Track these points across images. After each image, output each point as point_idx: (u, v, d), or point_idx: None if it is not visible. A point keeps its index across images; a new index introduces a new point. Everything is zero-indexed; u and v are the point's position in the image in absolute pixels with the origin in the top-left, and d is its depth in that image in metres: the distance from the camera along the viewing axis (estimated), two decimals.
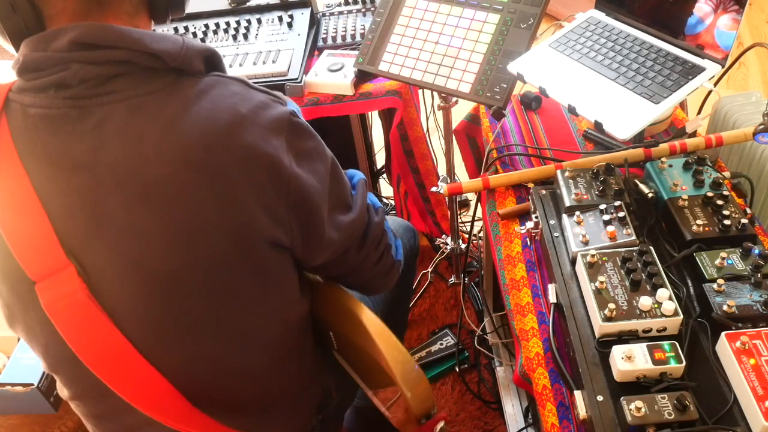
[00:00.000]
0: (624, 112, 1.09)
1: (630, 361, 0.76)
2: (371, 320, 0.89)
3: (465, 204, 2.26)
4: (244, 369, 0.84)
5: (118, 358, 0.73)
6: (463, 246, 1.87)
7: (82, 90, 0.67)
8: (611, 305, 0.82)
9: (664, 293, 0.82)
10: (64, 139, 0.67)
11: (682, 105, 1.36)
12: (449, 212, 1.82)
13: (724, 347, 0.78)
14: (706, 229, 0.93)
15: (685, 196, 0.98)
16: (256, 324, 0.81)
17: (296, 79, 1.48)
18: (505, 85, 1.26)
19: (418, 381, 0.86)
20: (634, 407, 0.72)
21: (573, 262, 0.94)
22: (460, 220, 1.98)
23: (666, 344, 0.78)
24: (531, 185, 1.15)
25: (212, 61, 0.75)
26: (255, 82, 1.59)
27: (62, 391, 0.89)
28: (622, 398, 0.74)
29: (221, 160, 0.69)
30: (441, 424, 0.90)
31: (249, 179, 0.70)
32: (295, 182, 0.74)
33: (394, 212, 2.24)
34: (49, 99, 0.67)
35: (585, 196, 1.01)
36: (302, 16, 1.66)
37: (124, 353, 0.72)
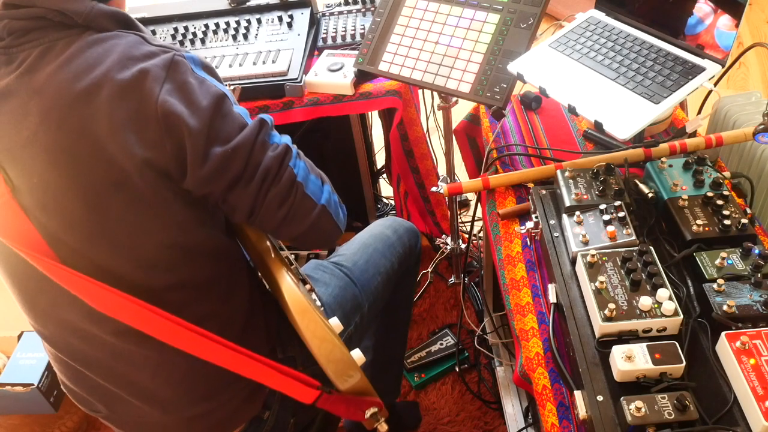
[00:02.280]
0: (624, 112, 1.09)
1: (630, 361, 0.77)
2: (290, 290, 0.90)
3: (465, 204, 2.26)
4: (150, 288, 0.89)
5: (36, 248, 0.86)
6: (463, 246, 1.87)
7: (10, 41, 0.84)
8: (611, 305, 0.82)
9: (664, 293, 0.82)
10: None
11: (682, 105, 1.36)
12: (449, 212, 1.82)
13: (724, 347, 0.78)
14: (706, 229, 0.93)
15: (685, 196, 0.98)
16: (143, 243, 0.87)
17: (296, 79, 1.48)
18: (505, 85, 1.26)
19: (331, 352, 0.89)
20: (634, 407, 0.72)
21: (573, 262, 0.94)
22: (460, 220, 1.98)
23: (666, 344, 0.78)
24: (531, 185, 1.15)
25: (123, 22, 0.88)
26: (255, 82, 1.58)
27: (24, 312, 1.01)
28: (622, 398, 0.74)
29: (97, 93, 0.80)
30: (372, 410, 0.95)
31: (119, 110, 0.80)
32: (163, 109, 0.81)
33: (393, 212, 2.24)
34: None
35: (585, 196, 1.01)
36: (302, 16, 1.66)
37: (38, 244, 0.86)
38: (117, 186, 0.82)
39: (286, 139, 0.96)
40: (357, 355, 0.95)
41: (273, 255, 0.99)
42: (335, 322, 1.00)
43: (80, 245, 0.86)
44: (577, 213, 0.99)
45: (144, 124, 0.81)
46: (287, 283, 0.94)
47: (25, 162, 0.83)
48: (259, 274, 1.07)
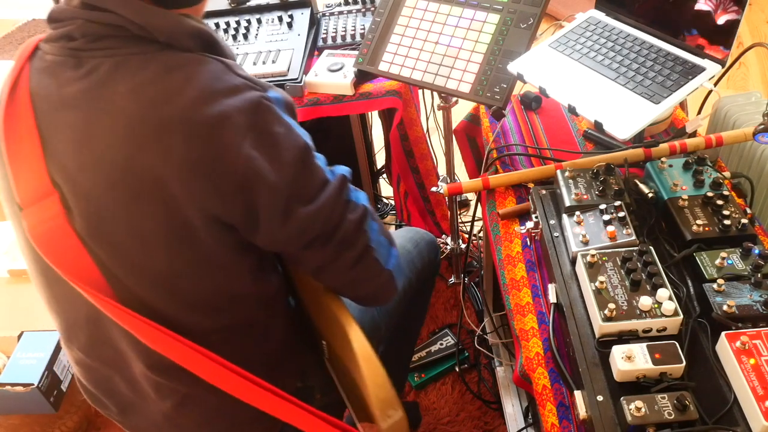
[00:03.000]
0: (624, 112, 1.09)
1: (630, 361, 0.77)
2: (359, 342, 0.86)
3: (465, 204, 2.26)
4: (188, 329, 0.85)
5: (91, 280, 0.81)
6: (463, 246, 1.87)
7: (82, 43, 0.77)
8: (611, 305, 0.82)
9: (664, 293, 0.82)
10: (61, 82, 0.78)
11: (682, 105, 1.36)
12: (449, 212, 1.82)
13: (724, 347, 0.78)
14: (706, 229, 0.93)
15: (685, 196, 0.98)
16: (190, 287, 0.83)
17: (296, 79, 1.48)
18: (505, 85, 1.26)
19: (383, 394, 0.84)
20: (634, 407, 0.72)
21: (573, 262, 0.94)
22: (460, 220, 1.98)
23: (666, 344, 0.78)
24: (531, 185, 1.15)
25: (206, 42, 0.80)
26: None
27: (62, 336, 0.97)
28: (622, 398, 0.74)
29: (172, 130, 0.74)
30: None
31: (193, 153, 0.74)
32: (245, 162, 0.75)
33: (393, 212, 2.24)
34: (58, 48, 0.78)
35: (585, 196, 1.01)
36: (302, 16, 1.66)
37: (92, 274, 0.81)
38: (175, 231, 0.78)
39: (363, 197, 0.91)
40: None
41: (336, 301, 0.95)
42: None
43: (125, 278, 0.81)
44: (577, 213, 0.99)
45: (219, 177, 0.75)
46: (355, 329, 0.89)
47: (82, 185, 0.78)
48: (307, 310, 1.04)
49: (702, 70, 1.11)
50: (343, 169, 0.88)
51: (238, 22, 1.65)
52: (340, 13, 1.72)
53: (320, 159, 0.85)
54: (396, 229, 2.22)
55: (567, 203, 1.00)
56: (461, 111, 1.62)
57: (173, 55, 0.77)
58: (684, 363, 0.76)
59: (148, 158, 0.74)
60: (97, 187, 0.77)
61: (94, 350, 0.93)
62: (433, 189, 1.34)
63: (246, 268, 0.86)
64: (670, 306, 0.81)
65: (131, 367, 0.92)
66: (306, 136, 0.83)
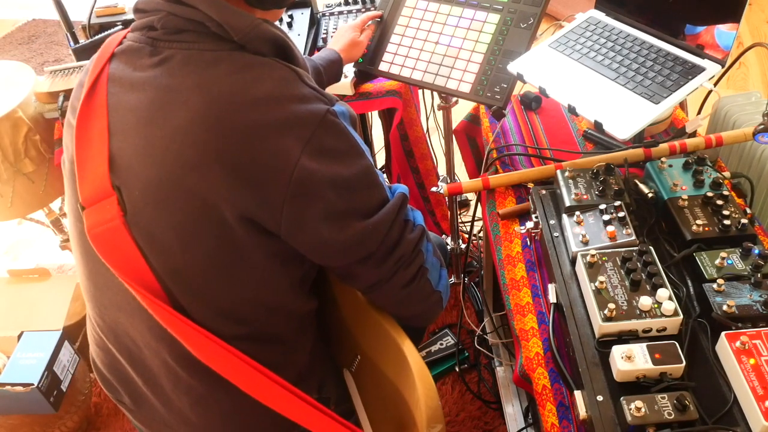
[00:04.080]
0: (624, 112, 1.09)
1: (630, 361, 0.77)
2: (414, 356, 0.86)
3: (465, 204, 2.26)
4: (217, 334, 0.84)
5: (142, 280, 0.80)
6: (463, 246, 1.87)
7: (161, 33, 0.79)
8: (611, 305, 0.82)
9: (664, 293, 0.82)
10: (136, 66, 0.80)
11: (682, 105, 1.36)
12: (449, 212, 1.82)
13: (724, 347, 0.78)
14: (706, 229, 0.93)
15: (685, 196, 0.98)
16: (225, 294, 0.82)
17: None
18: (505, 85, 1.26)
19: (434, 407, 0.84)
20: (634, 407, 0.72)
21: (573, 262, 0.94)
22: (460, 220, 1.98)
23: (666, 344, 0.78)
24: (531, 185, 1.15)
25: (281, 49, 0.81)
26: None
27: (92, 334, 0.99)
28: (622, 398, 0.74)
29: (231, 128, 0.74)
30: None
31: (247, 154, 0.74)
32: (300, 174, 0.75)
33: None
34: (139, 36, 0.82)
35: (585, 196, 1.01)
36: (302, 16, 1.66)
37: (146, 277, 0.80)
38: (216, 234, 0.77)
39: (419, 218, 0.91)
40: None
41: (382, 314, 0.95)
42: None
43: (164, 276, 0.81)
44: (577, 213, 0.99)
45: (268, 183, 0.75)
46: (408, 344, 0.89)
47: (137, 174, 0.78)
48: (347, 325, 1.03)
49: (702, 70, 1.11)
50: (401, 188, 0.88)
51: None
52: (340, 13, 1.72)
53: (381, 177, 0.85)
54: None
55: (567, 203, 1.00)
56: (461, 111, 1.62)
57: (246, 56, 0.77)
58: (684, 363, 0.76)
59: (199, 156, 0.74)
60: (148, 175, 0.77)
61: (116, 337, 0.93)
62: (433, 189, 1.34)
63: (287, 281, 0.86)
64: (670, 306, 0.81)
65: (146, 360, 0.91)
66: (367, 153, 0.83)
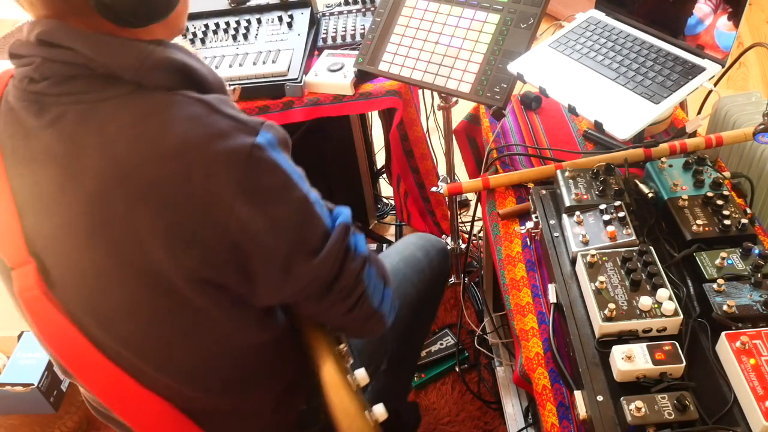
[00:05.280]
0: (624, 112, 1.09)
1: (630, 361, 0.76)
2: (330, 371, 0.84)
3: (465, 204, 2.26)
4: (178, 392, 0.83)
5: (77, 353, 0.76)
6: (463, 246, 1.87)
7: (45, 87, 0.68)
8: (611, 305, 0.82)
9: (664, 293, 0.82)
10: (26, 131, 0.70)
11: (682, 105, 1.36)
12: (449, 212, 1.82)
13: (724, 347, 0.78)
14: (706, 229, 0.93)
15: (685, 196, 0.98)
16: (189, 354, 0.79)
17: (296, 79, 1.48)
18: (505, 85, 1.26)
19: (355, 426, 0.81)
20: (634, 407, 0.72)
21: (573, 262, 0.94)
22: (460, 220, 1.98)
23: (666, 344, 0.78)
24: (531, 185, 1.15)
25: (183, 74, 0.71)
26: (255, 82, 1.57)
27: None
28: (622, 398, 0.74)
29: (150, 192, 0.66)
30: None
31: (176, 215, 0.67)
32: (237, 223, 0.68)
33: (393, 212, 2.24)
34: (21, 91, 0.70)
35: (585, 196, 1.01)
36: (302, 16, 1.66)
37: (81, 347, 0.75)
38: (162, 295, 0.71)
39: (362, 242, 0.84)
40: (361, 374, 0.90)
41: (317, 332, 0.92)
42: (361, 375, 0.93)
43: (122, 350, 0.76)
44: (577, 213, 0.99)
45: (208, 241, 0.68)
46: (328, 359, 0.87)
47: (58, 251, 0.72)
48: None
49: (702, 70, 1.11)
50: (344, 215, 0.81)
51: (238, 22, 1.65)
52: (340, 13, 1.72)
53: (319, 205, 0.77)
54: (396, 229, 2.22)
55: (567, 203, 1.00)
56: (461, 111, 1.62)
57: (146, 98, 0.68)
58: (684, 363, 0.76)
59: (124, 225, 0.67)
60: (73, 254, 0.70)
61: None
62: (433, 189, 1.34)
63: (253, 319, 0.81)
64: (670, 306, 0.81)
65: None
66: (300, 178, 0.74)
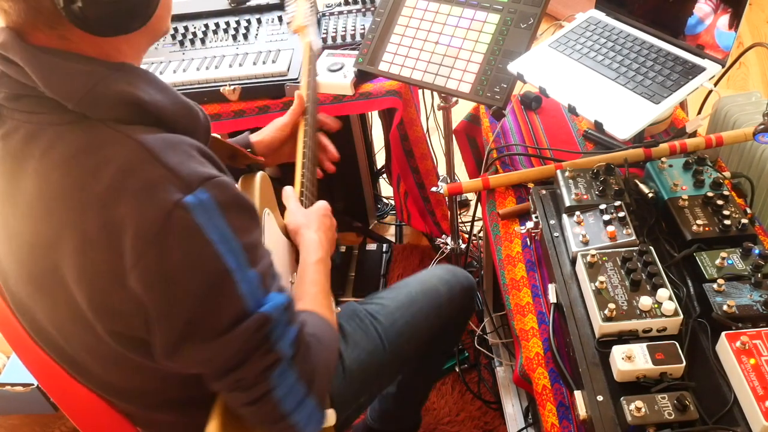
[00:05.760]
0: (624, 112, 1.09)
1: (630, 361, 0.76)
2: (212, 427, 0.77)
3: (465, 204, 2.26)
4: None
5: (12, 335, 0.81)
6: (463, 246, 1.87)
7: (2, 98, 0.68)
8: (611, 305, 0.82)
9: (664, 293, 0.82)
10: None
11: (682, 105, 1.36)
12: (449, 212, 1.82)
13: (724, 347, 0.78)
14: (706, 229, 0.93)
15: (685, 196, 0.98)
16: (118, 377, 0.79)
17: (296, 79, 1.48)
18: (505, 85, 1.26)
19: None
20: (634, 407, 0.72)
21: (573, 262, 0.94)
22: (460, 220, 1.98)
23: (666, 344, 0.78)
24: (531, 185, 1.15)
25: (138, 110, 0.67)
26: (255, 82, 1.57)
27: None
28: (622, 398, 0.74)
29: (66, 230, 0.65)
30: None
31: (86, 260, 0.65)
32: (136, 284, 0.64)
33: (393, 212, 2.24)
34: None
35: (585, 196, 1.01)
36: None
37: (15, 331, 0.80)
38: (85, 329, 0.70)
39: (288, 339, 0.72)
40: (329, 415, 0.84)
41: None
42: (329, 415, 0.88)
43: (62, 364, 0.81)
44: (577, 213, 0.99)
45: (114, 295, 0.65)
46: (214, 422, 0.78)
47: (2, 261, 0.74)
48: None
49: (702, 70, 1.11)
50: (274, 304, 0.70)
51: (238, 22, 1.65)
52: (340, 13, 1.72)
53: (246, 283, 0.68)
54: (396, 229, 2.22)
55: (567, 203, 1.00)
56: (461, 111, 1.62)
57: (87, 130, 0.65)
58: (684, 363, 0.76)
59: (50, 254, 0.66)
60: (11, 266, 0.72)
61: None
62: (433, 189, 1.34)
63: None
64: (670, 306, 0.81)
65: None
66: (229, 253, 0.65)
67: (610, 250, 0.91)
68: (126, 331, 0.68)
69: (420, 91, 1.79)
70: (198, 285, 0.65)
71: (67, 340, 0.76)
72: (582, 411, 0.76)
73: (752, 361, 0.75)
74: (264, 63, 1.52)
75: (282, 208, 1.06)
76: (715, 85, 1.15)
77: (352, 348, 1.07)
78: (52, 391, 0.86)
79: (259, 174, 1.02)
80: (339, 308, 1.11)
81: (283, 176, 1.80)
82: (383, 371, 1.13)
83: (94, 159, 0.64)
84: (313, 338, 0.76)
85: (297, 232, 0.99)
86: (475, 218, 1.46)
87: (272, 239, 0.97)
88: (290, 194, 1.06)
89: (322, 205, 1.06)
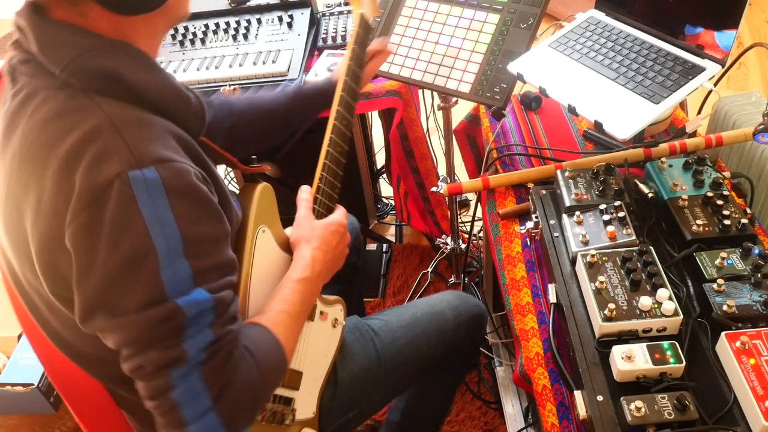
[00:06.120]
0: (624, 112, 1.09)
1: (630, 361, 0.77)
2: None
3: (465, 204, 2.26)
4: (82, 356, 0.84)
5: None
6: (463, 246, 1.87)
7: (17, 61, 0.74)
8: (611, 305, 0.82)
9: (664, 293, 0.82)
10: (5, 97, 0.75)
11: (682, 105, 1.36)
12: (449, 212, 1.82)
13: (724, 347, 0.78)
14: (706, 229, 0.93)
15: (685, 196, 0.98)
16: (76, 339, 0.80)
17: (296, 79, 1.48)
18: (505, 85, 1.26)
19: None
20: (634, 407, 0.72)
21: (573, 262, 0.94)
22: (460, 220, 1.98)
23: (666, 344, 0.78)
24: (531, 185, 1.15)
25: (119, 84, 0.69)
26: (255, 82, 1.57)
27: None
28: (622, 398, 0.74)
29: (33, 185, 0.69)
30: None
31: (38, 223, 0.68)
32: (69, 242, 0.66)
33: (393, 212, 2.24)
34: (7, 60, 0.75)
35: (585, 196, 1.01)
36: (302, 16, 1.66)
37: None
38: (36, 293, 0.77)
39: (196, 348, 0.68)
40: None
41: None
42: None
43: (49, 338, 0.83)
44: (577, 213, 0.99)
45: (55, 256, 0.68)
46: None
47: None
48: None
49: (702, 70, 1.11)
50: (190, 301, 0.67)
51: (238, 22, 1.65)
52: (340, 13, 1.72)
53: (172, 272, 0.66)
54: (396, 229, 2.22)
55: (567, 203, 1.00)
56: (461, 111, 1.62)
57: (68, 97, 0.69)
58: (684, 363, 0.76)
59: (18, 210, 0.71)
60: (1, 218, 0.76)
61: None
62: (433, 189, 1.34)
63: None
64: (670, 306, 0.81)
65: None
66: (161, 238, 0.65)
67: (610, 250, 0.91)
68: (66, 294, 0.70)
69: (420, 91, 1.79)
70: (118, 255, 0.65)
71: (36, 292, 0.78)
72: (582, 411, 0.76)
73: (752, 361, 0.75)
74: (264, 63, 1.52)
75: (285, 215, 0.99)
76: (715, 85, 1.15)
77: (347, 360, 1.06)
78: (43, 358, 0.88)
79: (261, 186, 0.92)
80: (345, 321, 1.07)
81: (283, 177, 1.80)
82: (375, 389, 1.10)
83: (65, 123, 0.67)
84: (244, 352, 0.72)
85: (296, 246, 0.94)
86: (475, 218, 1.46)
87: (265, 260, 0.89)
88: (304, 199, 0.99)
89: (336, 219, 0.99)
